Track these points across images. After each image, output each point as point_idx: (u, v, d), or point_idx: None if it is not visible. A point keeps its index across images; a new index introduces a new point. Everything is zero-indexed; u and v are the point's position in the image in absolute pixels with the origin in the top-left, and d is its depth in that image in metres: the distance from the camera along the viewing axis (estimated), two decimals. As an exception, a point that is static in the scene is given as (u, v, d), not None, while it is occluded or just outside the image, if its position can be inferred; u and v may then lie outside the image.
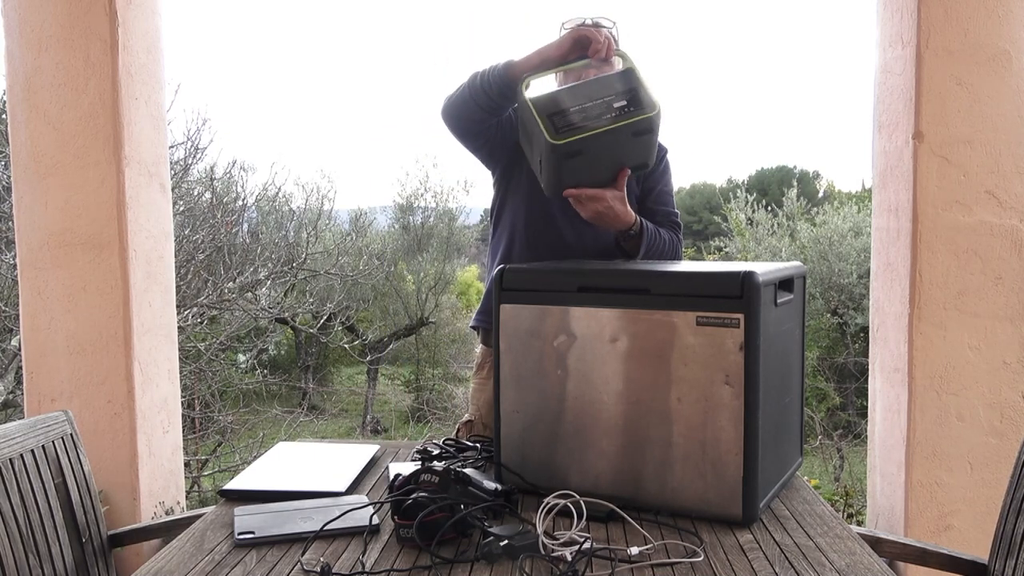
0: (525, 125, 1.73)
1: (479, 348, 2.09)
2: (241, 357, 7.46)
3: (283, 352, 10.58)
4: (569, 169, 1.68)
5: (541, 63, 1.76)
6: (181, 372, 2.95)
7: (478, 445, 1.76)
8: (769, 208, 8.53)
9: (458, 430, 2.00)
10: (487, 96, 1.78)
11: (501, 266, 1.54)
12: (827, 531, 1.33)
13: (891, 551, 1.69)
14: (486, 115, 1.83)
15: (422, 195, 10.28)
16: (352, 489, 1.55)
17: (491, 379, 1.99)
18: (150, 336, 2.48)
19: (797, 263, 1.60)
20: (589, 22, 1.87)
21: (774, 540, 1.29)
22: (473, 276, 11.96)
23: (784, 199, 8.60)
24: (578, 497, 1.34)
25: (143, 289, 2.44)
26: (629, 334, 1.39)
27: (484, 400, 2.01)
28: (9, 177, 2.90)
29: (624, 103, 1.68)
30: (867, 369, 2.49)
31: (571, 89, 1.72)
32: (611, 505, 1.36)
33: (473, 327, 2.10)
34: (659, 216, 2.02)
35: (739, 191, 8.79)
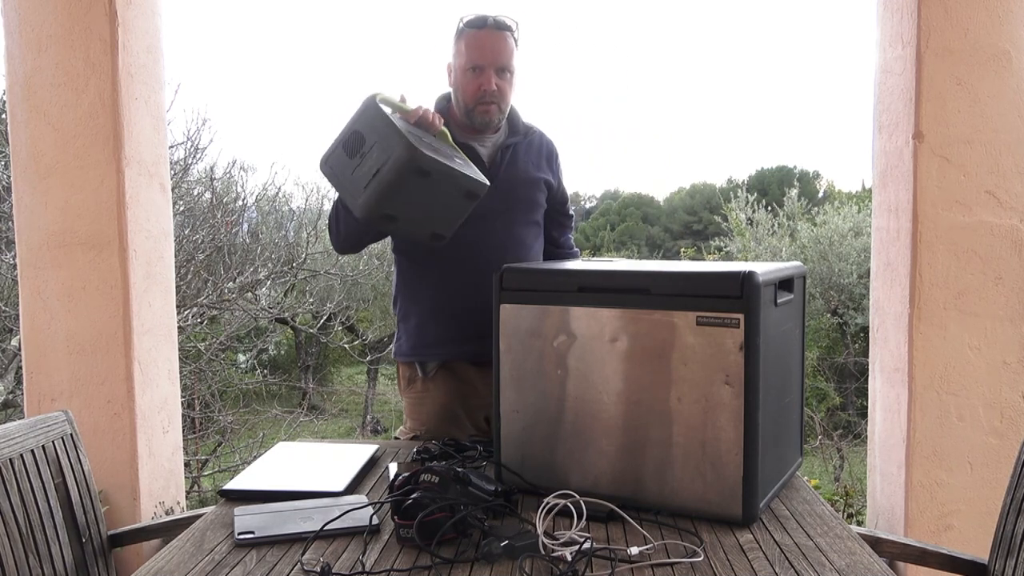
0: (366, 134, 1.66)
1: (400, 367, 2.03)
2: (241, 357, 7.45)
3: (283, 352, 10.57)
4: (408, 188, 1.64)
5: None
6: (181, 372, 2.95)
7: (478, 446, 1.76)
8: (769, 208, 8.52)
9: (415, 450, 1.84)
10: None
11: (504, 266, 1.53)
12: (827, 531, 1.33)
13: (891, 551, 1.69)
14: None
15: (422, 195, 10.25)
16: (352, 489, 1.55)
17: (429, 392, 1.95)
18: (150, 336, 2.47)
19: (797, 263, 1.60)
20: (491, 22, 1.82)
21: (774, 540, 1.29)
22: (473, 276, 11.92)
23: (784, 199, 8.59)
24: (578, 497, 1.34)
25: (143, 289, 2.44)
26: (629, 334, 1.39)
27: (428, 411, 1.96)
28: (9, 177, 2.90)
29: (468, 164, 1.73)
30: (867, 369, 2.49)
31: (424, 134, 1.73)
32: (611, 505, 1.36)
33: (407, 362, 2.00)
34: (562, 217, 2.11)
35: (739, 191, 8.78)
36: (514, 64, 1.86)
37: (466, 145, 1.88)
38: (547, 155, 2.04)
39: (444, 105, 1.97)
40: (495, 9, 1.84)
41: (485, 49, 1.82)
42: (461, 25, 1.86)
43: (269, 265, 5.75)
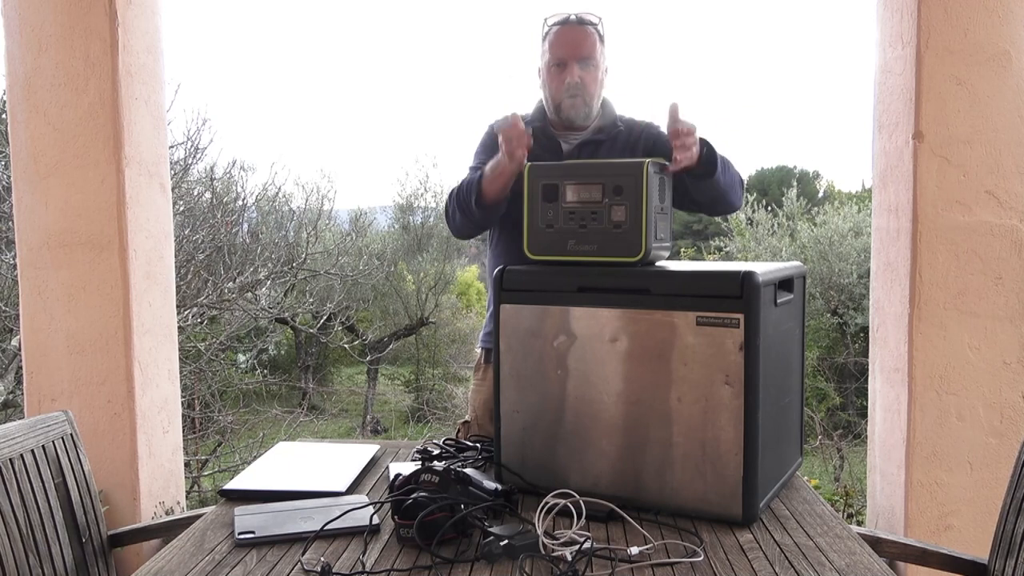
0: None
1: (479, 349, 2.09)
2: (241, 357, 7.46)
3: (283, 352, 10.57)
4: None
5: (505, 181, 1.72)
6: (181, 372, 2.95)
7: (478, 445, 1.76)
8: (769, 208, 8.52)
9: (458, 430, 2.01)
10: (478, 217, 1.81)
11: (501, 266, 1.54)
12: (827, 531, 1.33)
13: (891, 551, 1.69)
14: (491, 220, 1.85)
15: (422, 195, 10.27)
16: (352, 489, 1.55)
17: (487, 381, 1.99)
18: (150, 336, 2.47)
19: (797, 263, 1.60)
20: (573, 18, 1.86)
21: (774, 540, 1.29)
22: (473, 276, 11.94)
23: (784, 199, 8.59)
24: (578, 497, 1.34)
25: (143, 289, 2.44)
26: (629, 334, 1.39)
27: (480, 402, 2.00)
28: (9, 177, 2.90)
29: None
30: (867, 369, 2.49)
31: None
32: (611, 505, 1.36)
33: (484, 347, 2.05)
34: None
35: (739, 191, 8.76)
36: (599, 57, 1.88)
37: (552, 139, 1.91)
38: (647, 145, 1.96)
39: (539, 105, 1.99)
40: (580, 6, 1.88)
41: (567, 44, 1.86)
42: (546, 26, 1.90)
43: (269, 265, 5.75)
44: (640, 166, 1.46)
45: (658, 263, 1.52)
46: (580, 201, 1.50)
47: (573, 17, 1.86)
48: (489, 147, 1.96)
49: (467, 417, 2.06)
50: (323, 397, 10.26)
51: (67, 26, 2.36)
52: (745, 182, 1.93)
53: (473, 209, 1.80)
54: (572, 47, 1.85)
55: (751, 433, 1.31)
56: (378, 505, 1.42)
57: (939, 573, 1.65)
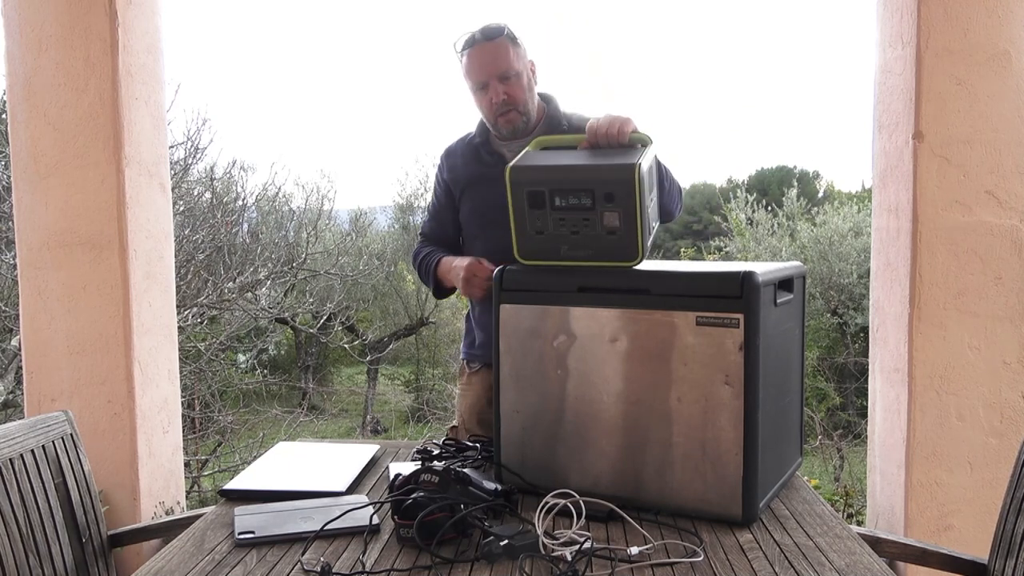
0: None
1: (462, 358, 2.09)
2: (241, 357, 7.45)
3: (283, 352, 10.57)
4: None
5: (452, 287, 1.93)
6: (181, 372, 2.95)
7: (478, 445, 1.76)
8: (769, 208, 8.51)
9: (446, 435, 2.00)
10: (437, 296, 2.03)
11: (501, 266, 1.54)
12: (827, 531, 1.33)
13: (891, 551, 1.69)
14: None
15: (422, 195, 10.25)
16: (352, 489, 1.55)
17: (471, 386, 2.00)
18: (150, 336, 2.47)
19: (797, 263, 1.60)
20: (479, 36, 1.83)
21: (774, 540, 1.29)
22: (473, 276, 11.91)
23: (784, 199, 8.59)
24: (578, 497, 1.34)
25: (143, 289, 2.44)
26: (629, 334, 1.39)
27: (466, 407, 2.02)
28: (9, 177, 2.90)
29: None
30: (867, 369, 2.49)
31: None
32: (611, 505, 1.36)
33: (463, 357, 2.09)
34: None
35: (739, 191, 8.77)
36: (517, 63, 1.84)
37: (495, 154, 1.92)
38: None
39: (482, 120, 1.98)
40: (482, 20, 1.84)
41: (480, 65, 1.84)
42: (456, 52, 1.88)
43: (269, 265, 5.75)
44: (631, 170, 1.38)
45: (658, 263, 1.52)
46: (569, 207, 1.43)
47: (478, 35, 1.83)
48: (441, 184, 2.07)
49: (454, 422, 2.07)
50: (323, 397, 10.26)
51: (67, 26, 2.36)
52: (683, 191, 1.95)
53: (432, 292, 2.00)
54: (486, 67, 1.83)
55: (751, 433, 1.31)
56: (378, 505, 1.42)
57: (939, 573, 1.65)
